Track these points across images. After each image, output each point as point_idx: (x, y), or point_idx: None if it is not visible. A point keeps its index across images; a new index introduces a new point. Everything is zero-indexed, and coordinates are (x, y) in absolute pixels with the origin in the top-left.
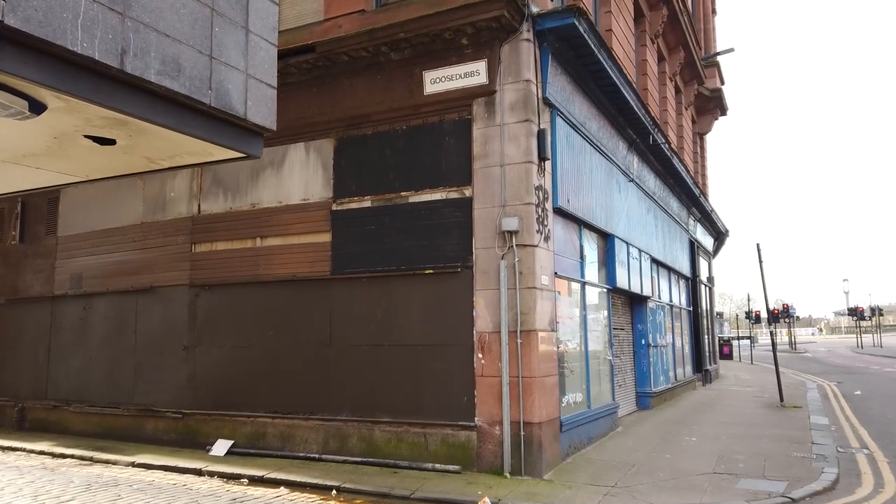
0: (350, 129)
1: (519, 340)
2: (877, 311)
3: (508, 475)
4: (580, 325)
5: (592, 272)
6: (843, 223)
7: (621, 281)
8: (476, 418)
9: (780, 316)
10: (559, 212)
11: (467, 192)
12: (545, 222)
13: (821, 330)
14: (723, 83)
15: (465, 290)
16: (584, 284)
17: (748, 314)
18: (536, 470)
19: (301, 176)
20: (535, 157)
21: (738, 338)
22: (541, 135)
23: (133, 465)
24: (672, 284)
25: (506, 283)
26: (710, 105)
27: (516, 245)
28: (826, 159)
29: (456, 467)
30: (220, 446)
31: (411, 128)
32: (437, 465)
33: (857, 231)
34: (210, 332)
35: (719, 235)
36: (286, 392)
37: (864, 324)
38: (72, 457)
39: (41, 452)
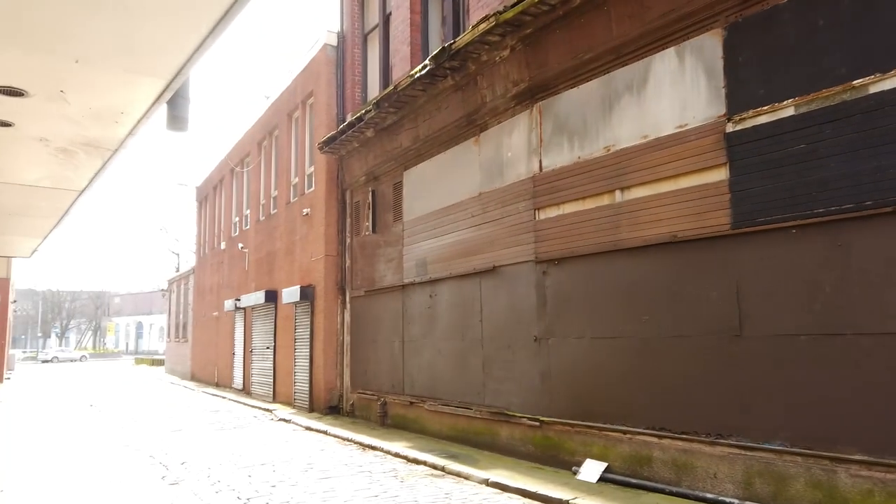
0: (747, 7)
1: None
2: None
3: None
4: None
5: None
6: None
7: None
8: None
9: None
10: None
11: None
12: None
13: None
14: None
15: None
16: None
17: None
18: None
19: (673, 94)
20: None
21: None
22: None
23: (487, 482)
24: None
25: None
26: None
27: None
28: None
29: None
30: (591, 469)
31: None
32: None
33: None
34: (563, 319)
35: None
36: (675, 401)
37: None
38: (424, 464)
39: (396, 455)
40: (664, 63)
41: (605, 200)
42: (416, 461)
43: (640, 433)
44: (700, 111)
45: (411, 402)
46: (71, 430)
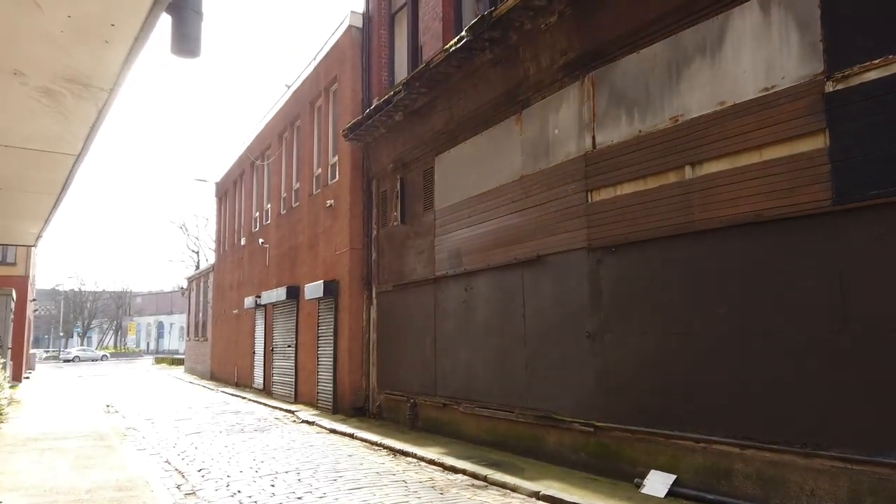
0: None
1: None
2: None
3: None
4: None
5: None
6: None
7: None
8: None
9: None
10: None
11: None
12: None
13: None
14: None
15: None
16: None
17: None
18: None
19: (756, 53)
20: None
21: None
22: None
23: (537, 496)
24: None
25: None
26: None
27: None
28: None
29: None
30: (657, 482)
31: None
32: None
33: None
34: (622, 313)
35: None
36: (762, 406)
37: None
38: (463, 472)
39: (431, 462)
40: (744, 18)
41: (672, 178)
42: (454, 469)
43: (717, 442)
44: (791, 70)
45: (444, 404)
46: (83, 433)
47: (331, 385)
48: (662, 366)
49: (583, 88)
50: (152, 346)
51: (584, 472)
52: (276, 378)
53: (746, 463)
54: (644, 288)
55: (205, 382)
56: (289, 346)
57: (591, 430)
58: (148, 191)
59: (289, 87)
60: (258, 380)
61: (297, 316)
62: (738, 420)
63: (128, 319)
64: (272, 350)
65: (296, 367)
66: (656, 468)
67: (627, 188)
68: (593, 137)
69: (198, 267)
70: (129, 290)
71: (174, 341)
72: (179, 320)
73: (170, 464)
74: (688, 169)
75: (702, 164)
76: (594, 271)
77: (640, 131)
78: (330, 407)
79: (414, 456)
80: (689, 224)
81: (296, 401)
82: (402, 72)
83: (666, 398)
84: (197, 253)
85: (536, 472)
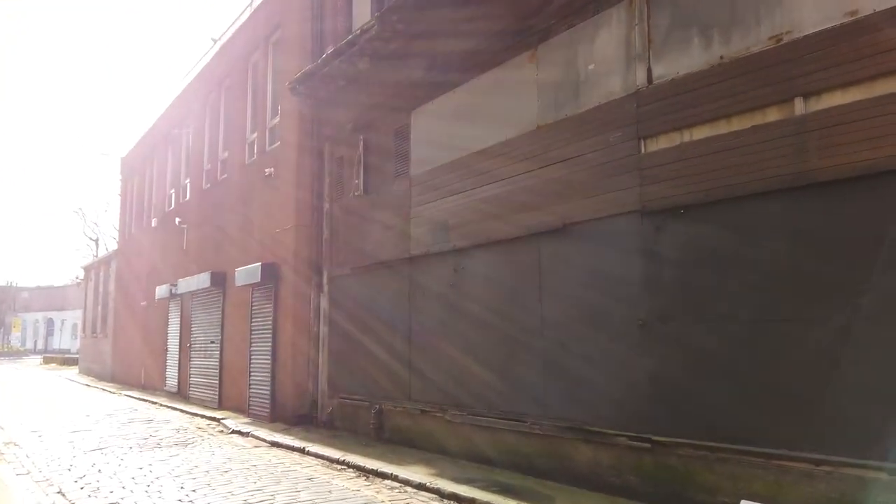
0: None
1: None
2: None
3: None
4: None
5: None
6: None
7: None
8: None
9: None
10: None
11: None
12: None
13: None
14: None
15: None
16: None
17: None
18: None
19: None
20: None
21: None
22: None
23: None
24: None
25: None
26: None
27: None
28: None
29: None
30: None
31: None
32: None
33: None
34: (693, 295)
35: None
36: None
37: None
38: (471, 502)
39: (420, 487)
40: None
41: (773, 115)
42: (457, 498)
43: (850, 465)
44: None
45: (423, 411)
46: None
47: (268, 388)
48: (757, 364)
49: (631, 8)
50: (40, 345)
51: (634, 500)
52: (194, 380)
53: (888, 490)
54: (728, 259)
55: (104, 385)
56: (212, 342)
57: (647, 445)
58: (38, 169)
59: (216, 40)
60: (171, 382)
61: (223, 306)
62: (887, 434)
63: (12, 315)
64: (190, 347)
65: (221, 366)
66: (749, 498)
67: (701, 132)
68: (648, 70)
69: (96, 256)
70: (13, 284)
71: (66, 340)
72: (72, 317)
73: (64, 496)
74: (798, 102)
75: (820, 94)
76: (650, 241)
77: (721, 58)
78: (266, 414)
79: (395, 478)
80: (801, 175)
81: (220, 406)
82: (364, 16)
83: (763, 406)
84: (96, 241)
85: (566, 500)
